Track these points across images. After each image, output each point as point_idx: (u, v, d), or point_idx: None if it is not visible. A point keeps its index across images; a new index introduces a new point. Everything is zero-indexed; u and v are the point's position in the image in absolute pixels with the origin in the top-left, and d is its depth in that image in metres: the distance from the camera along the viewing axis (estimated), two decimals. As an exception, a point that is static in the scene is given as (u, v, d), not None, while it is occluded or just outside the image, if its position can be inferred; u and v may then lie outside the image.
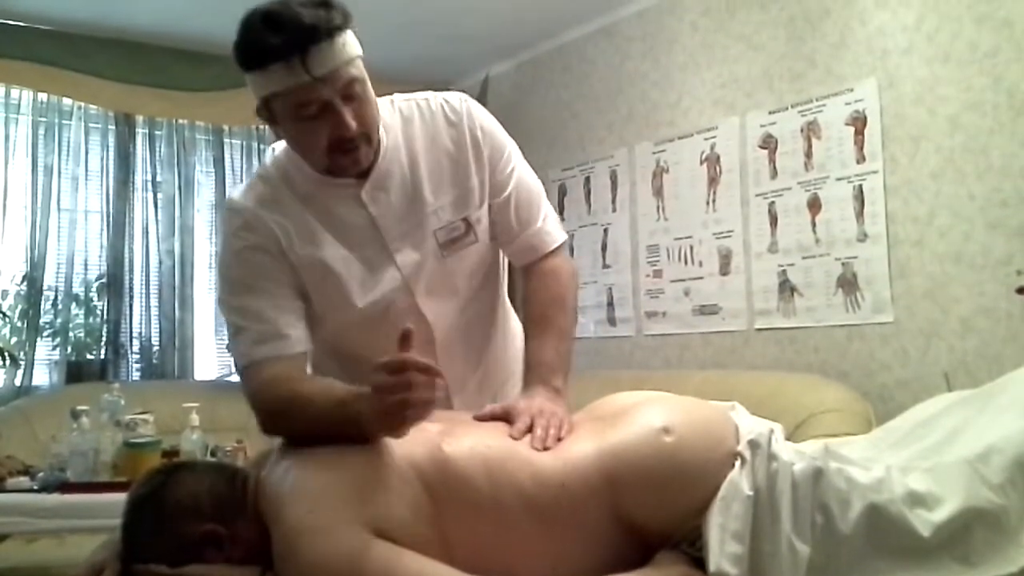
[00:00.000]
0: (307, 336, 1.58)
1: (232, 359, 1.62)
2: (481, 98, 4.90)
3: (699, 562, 1.31)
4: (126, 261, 4.77)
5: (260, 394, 1.51)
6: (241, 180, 5.16)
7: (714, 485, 1.33)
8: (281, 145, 1.66)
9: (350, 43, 1.51)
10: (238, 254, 1.59)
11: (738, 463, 1.35)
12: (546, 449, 1.39)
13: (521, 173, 1.75)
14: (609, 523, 1.35)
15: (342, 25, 1.49)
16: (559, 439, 1.42)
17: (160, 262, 4.88)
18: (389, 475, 1.30)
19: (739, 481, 1.33)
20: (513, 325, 1.88)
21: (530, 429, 1.44)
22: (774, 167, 3.78)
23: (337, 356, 1.68)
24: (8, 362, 4.34)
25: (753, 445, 1.36)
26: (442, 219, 1.65)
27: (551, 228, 1.76)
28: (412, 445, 1.34)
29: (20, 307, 4.52)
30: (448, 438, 1.37)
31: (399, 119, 1.68)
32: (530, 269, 1.75)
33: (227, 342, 1.60)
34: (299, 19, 1.44)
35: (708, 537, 1.29)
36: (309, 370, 1.59)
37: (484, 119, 1.73)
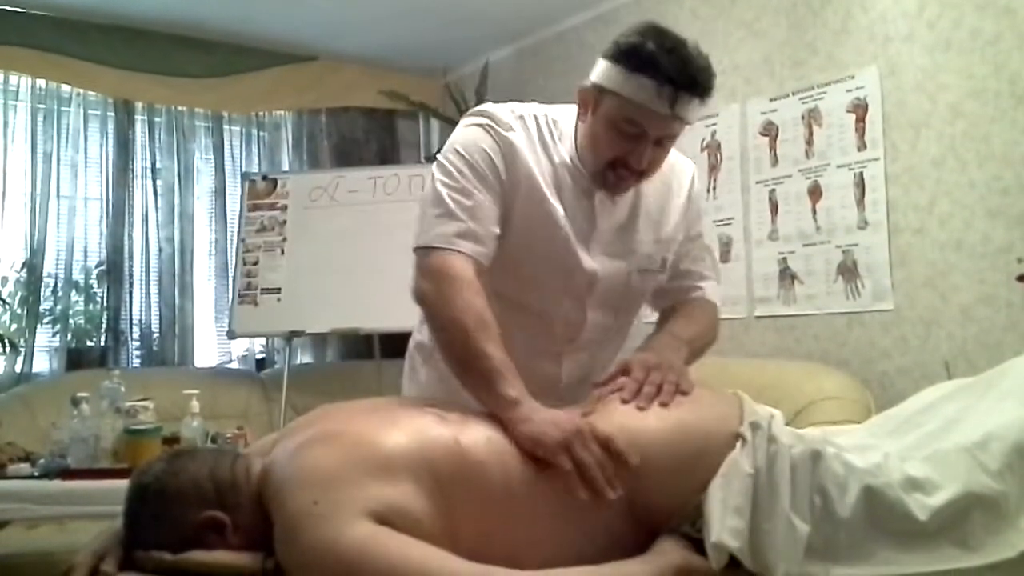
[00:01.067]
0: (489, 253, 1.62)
1: (418, 233, 1.63)
2: (481, 85, 4.89)
3: (700, 544, 1.31)
4: (126, 248, 4.77)
5: (447, 276, 1.55)
6: (241, 166, 5.17)
7: (716, 465, 1.36)
8: (550, 109, 1.74)
9: (698, 112, 1.60)
10: (483, 150, 1.64)
11: (739, 443, 1.37)
12: (663, 405, 1.43)
13: (705, 240, 1.90)
14: (616, 506, 1.35)
15: (710, 95, 1.59)
16: (679, 391, 1.46)
17: (160, 249, 4.87)
18: (397, 464, 1.30)
19: (740, 460, 1.35)
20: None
21: (642, 385, 1.46)
22: (775, 154, 3.77)
23: (514, 299, 1.68)
24: (8, 349, 4.34)
25: (754, 427, 1.39)
26: (647, 251, 1.74)
27: (715, 289, 1.88)
28: (427, 436, 1.35)
29: (20, 294, 4.51)
30: (463, 428, 1.38)
31: None
32: (684, 301, 1.84)
33: (424, 211, 1.65)
34: (701, 68, 1.55)
35: (709, 511, 1.31)
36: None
37: (700, 189, 1.90)
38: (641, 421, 1.42)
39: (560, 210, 1.65)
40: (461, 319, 1.51)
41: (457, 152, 1.65)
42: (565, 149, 1.69)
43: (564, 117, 1.73)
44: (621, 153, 1.59)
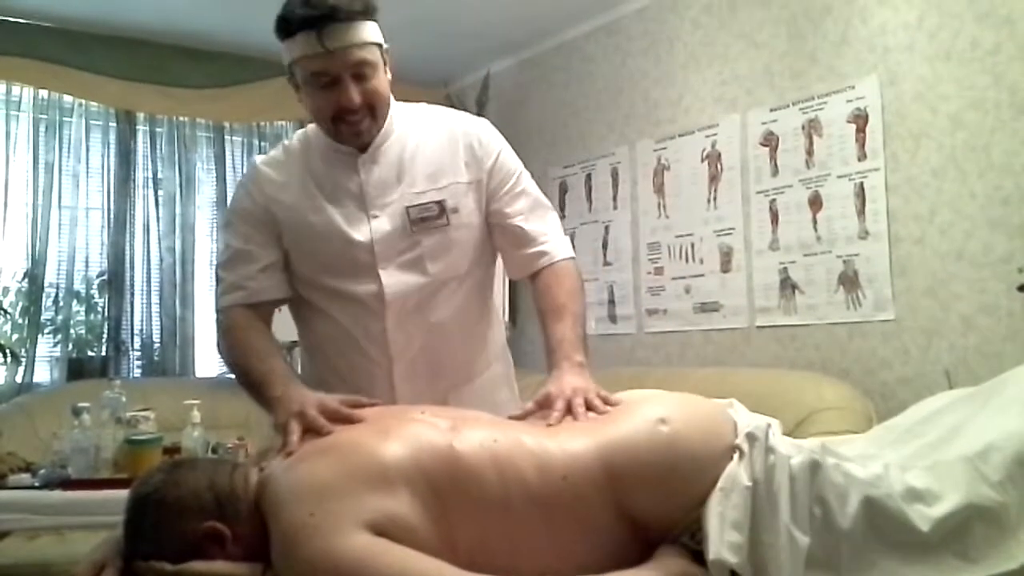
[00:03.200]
0: (273, 285, 1.83)
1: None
2: (482, 96, 4.91)
3: (699, 556, 1.31)
4: (127, 258, 4.78)
5: (224, 329, 1.82)
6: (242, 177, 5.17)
7: (713, 477, 1.34)
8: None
9: (368, 30, 1.73)
10: (234, 211, 1.89)
11: (736, 456, 1.36)
12: (603, 410, 1.50)
13: (527, 191, 1.92)
14: (611, 516, 1.35)
15: (362, 13, 1.72)
16: (607, 403, 1.53)
17: (161, 259, 4.88)
18: (393, 474, 1.30)
19: (738, 473, 1.34)
20: (493, 340, 1.98)
21: (569, 411, 1.52)
22: (775, 164, 3.77)
23: (317, 288, 1.85)
24: (9, 359, 4.34)
25: (751, 438, 1.37)
26: (418, 198, 1.82)
27: (563, 242, 1.91)
28: (421, 443, 1.35)
29: (21, 304, 4.52)
30: (457, 435, 1.38)
31: (413, 115, 1.90)
32: (541, 272, 1.87)
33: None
34: (325, 1, 1.68)
35: (708, 526, 1.30)
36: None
37: (496, 137, 1.93)
38: (616, 432, 1.41)
39: (321, 200, 1.82)
40: (236, 360, 1.78)
41: (224, 217, 1.95)
42: (316, 138, 1.86)
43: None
44: (333, 103, 1.73)
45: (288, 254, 1.84)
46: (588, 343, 1.81)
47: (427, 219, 1.81)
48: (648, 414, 1.42)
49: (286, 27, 1.73)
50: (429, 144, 1.87)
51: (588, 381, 1.63)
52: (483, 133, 1.92)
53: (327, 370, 1.87)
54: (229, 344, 1.80)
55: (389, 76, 1.80)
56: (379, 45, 1.76)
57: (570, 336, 1.75)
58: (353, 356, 1.83)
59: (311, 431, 1.46)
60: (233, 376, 1.82)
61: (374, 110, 1.77)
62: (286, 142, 1.92)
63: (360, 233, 1.80)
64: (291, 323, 1.96)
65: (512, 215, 1.88)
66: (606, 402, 1.54)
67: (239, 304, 1.81)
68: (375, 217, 1.81)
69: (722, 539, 1.28)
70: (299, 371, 1.92)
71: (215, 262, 1.94)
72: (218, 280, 1.87)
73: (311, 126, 1.88)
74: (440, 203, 1.82)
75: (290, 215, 1.83)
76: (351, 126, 1.76)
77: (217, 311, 1.86)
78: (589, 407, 1.53)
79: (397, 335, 1.81)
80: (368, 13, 1.73)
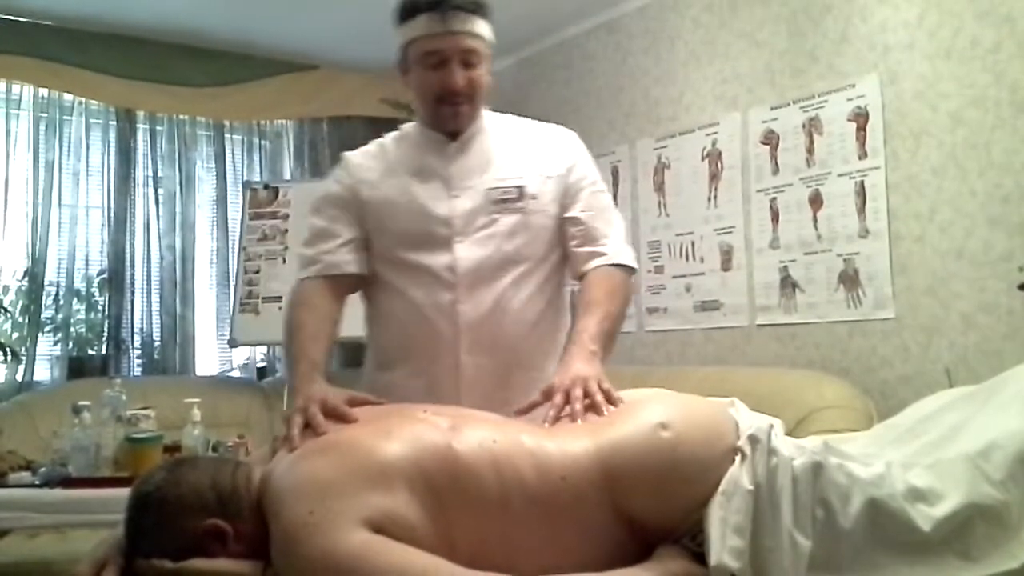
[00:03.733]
0: (350, 260, 1.92)
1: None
2: (482, 94, 4.90)
3: (700, 557, 1.31)
4: (127, 257, 4.78)
5: (289, 302, 1.92)
6: (242, 175, 5.19)
7: (714, 480, 1.34)
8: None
9: (483, 26, 1.88)
10: (321, 197, 2.00)
11: (738, 458, 1.36)
12: (600, 403, 1.52)
13: (602, 196, 2.00)
14: (610, 517, 1.35)
15: (482, 9, 1.87)
16: (608, 396, 1.54)
17: (161, 258, 4.88)
18: (392, 472, 1.30)
19: (739, 476, 1.33)
20: (560, 340, 1.98)
21: (567, 402, 1.55)
22: (776, 163, 3.77)
23: (392, 262, 1.93)
24: (10, 357, 4.34)
25: (753, 440, 1.37)
26: (500, 183, 1.92)
27: (623, 250, 1.96)
28: (421, 442, 1.35)
29: (21, 302, 4.52)
30: (457, 435, 1.38)
31: (503, 119, 2.05)
32: (592, 271, 1.92)
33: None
34: None
35: (709, 531, 1.30)
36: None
37: (581, 144, 2.05)
38: (616, 434, 1.41)
39: (407, 179, 1.93)
40: (285, 336, 1.86)
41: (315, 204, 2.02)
42: (412, 130, 2.01)
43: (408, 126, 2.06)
44: (439, 84, 1.87)
45: (369, 233, 1.94)
46: (615, 341, 1.84)
47: (506, 200, 1.91)
48: (649, 417, 1.41)
49: (412, 8, 1.86)
50: (516, 140, 2.00)
51: (594, 369, 1.65)
52: (571, 138, 2.05)
53: (393, 346, 1.93)
54: (286, 318, 1.88)
55: (489, 79, 1.94)
56: (489, 45, 1.90)
57: (592, 328, 1.78)
58: (421, 329, 1.87)
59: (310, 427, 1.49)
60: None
61: (473, 98, 1.90)
62: (379, 139, 2.06)
63: (440, 209, 1.90)
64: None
65: (581, 209, 1.95)
66: (607, 395, 1.55)
67: (314, 276, 1.90)
68: (456, 197, 1.91)
69: (724, 544, 1.28)
70: (367, 349, 2.01)
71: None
72: (299, 258, 1.97)
73: (406, 125, 2.04)
74: (520, 188, 1.92)
75: (375, 193, 1.94)
76: (452, 107, 1.88)
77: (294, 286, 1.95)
78: (588, 396, 1.55)
79: (466, 307, 1.86)
80: (486, 12, 1.89)
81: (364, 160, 2.00)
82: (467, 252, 1.87)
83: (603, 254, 1.92)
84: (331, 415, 1.51)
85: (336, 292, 1.91)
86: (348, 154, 2.04)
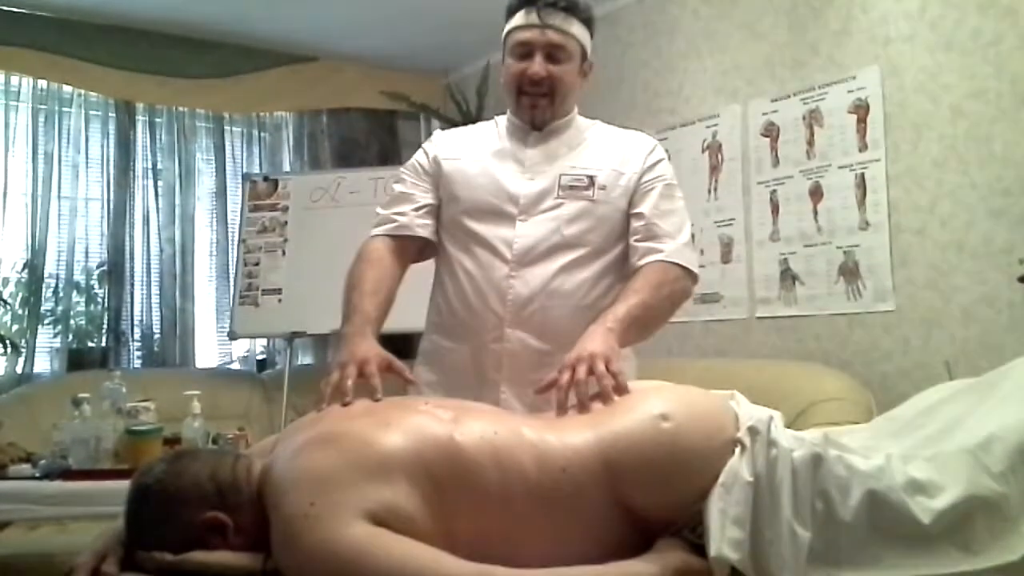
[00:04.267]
0: (420, 224, 2.02)
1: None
2: (482, 85, 4.89)
3: (700, 548, 1.31)
4: (127, 249, 4.77)
5: (357, 256, 1.99)
6: (242, 167, 5.18)
7: (714, 472, 1.34)
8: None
9: (577, 27, 1.97)
10: (406, 166, 2.11)
11: (738, 450, 1.36)
12: (603, 377, 1.54)
13: (673, 200, 2.03)
14: (610, 509, 1.35)
15: (580, 12, 1.97)
16: (615, 377, 1.54)
17: (161, 250, 4.88)
18: (393, 465, 1.30)
19: (739, 467, 1.34)
20: None
21: (572, 379, 1.56)
22: (776, 155, 3.77)
23: (457, 230, 2.01)
24: (9, 349, 4.34)
25: (752, 432, 1.37)
26: (572, 171, 1.99)
27: (683, 252, 1.97)
28: (422, 434, 1.35)
29: (21, 295, 4.52)
30: (459, 427, 1.38)
31: (593, 122, 2.11)
32: (646, 265, 1.93)
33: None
34: None
35: (709, 522, 1.30)
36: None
37: (663, 151, 2.08)
38: (617, 426, 1.41)
39: (487, 157, 2.02)
40: (345, 287, 1.91)
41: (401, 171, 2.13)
42: (502, 120, 2.10)
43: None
44: (521, 73, 1.96)
45: (442, 201, 2.03)
46: (647, 331, 1.88)
47: (575, 187, 1.97)
48: (650, 409, 1.42)
49: (515, 6, 1.98)
50: (598, 139, 2.06)
51: (606, 345, 1.66)
52: (651, 143, 2.09)
53: (448, 312, 1.99)
54: (350, 271, 1.94)
55: (585, 87, 2.04)
56: (581, 47, 1.98)
57: (619, 311, 1.80)
58: (473, 300, 1.94)
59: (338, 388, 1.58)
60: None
61: (554, 93, 1.97)
62: (471, 124, 2.21)
63: (512, 186, 1.97)
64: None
65: (648, 207, 1.98)
66: (615, 377, 1.55)
67: (383, 235, 2.01)
68: (530, 179, 1.98)
69: (723, 535, 1.28)
70: (428, 311, 2.09)
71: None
72: (375, 217, 2.06)
73: (500, 116, 2.11)
74: (592, 177, 1.98)
75: (454, 164, 2.03)
76: (530, 98, 1.97)
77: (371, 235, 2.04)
78: (595, 376, 1.55)
79: (517, 283, 1.91)
80: (584, 16, 1.98)
81: (451, 136, 2.13)
82: (527, 230, 1.93)
83: (660, 251, 1.94)
84: (364, 378, 1.60)
85: (402, 253, 2.00)
86: (438, 131, 2.18)
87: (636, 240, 1.96)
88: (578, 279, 1.93)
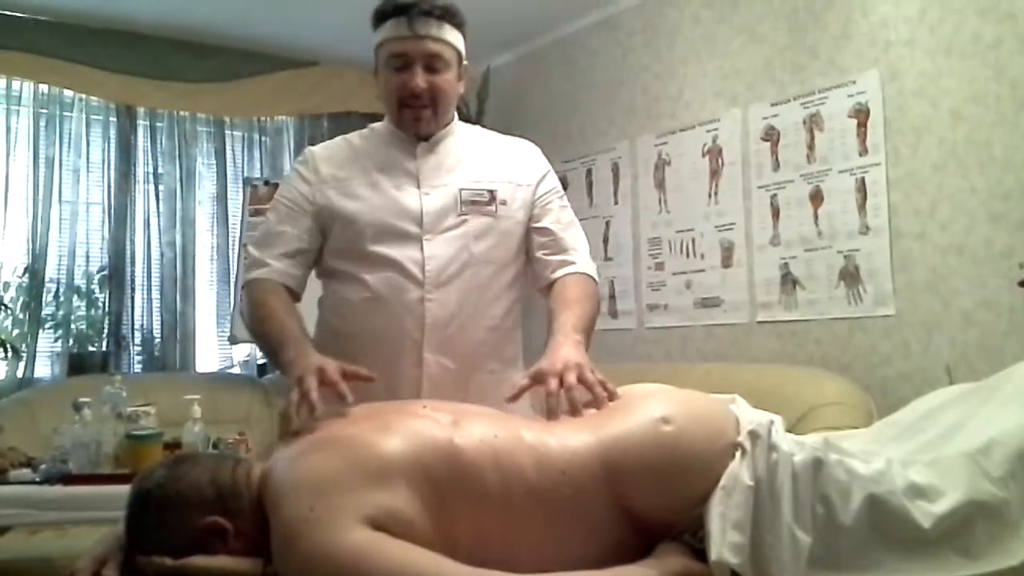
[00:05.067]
0: (293, 269, 1.93)
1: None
2: (482, 90, 4.90)
3: (701, 553, 1.31)
4: (128, 253, 4.77)
5: (246, 294, 1.93)
6: (243, 171, 5.19)
7: (714, 476, 1.34)
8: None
9: (451, 33, 1.92)
10: (279, 194, 2.00)
11: (739, 454, 1.36)
12: (595, 385, 1.54)
13: (569, 211, 2.07)
14: (610, 512, 1.35)
15: (452, 17, 1.92)
16: (603, 385, 1.54)
17: (162, 254, 4.88)
18: (393, 469, 1.30)
19: (740, 471, 1.33)
20: (516, 347, 2.04)
21: (562, 384, 1.55)
22: (776, 159, 3.77)
23: (357, 256, 1.92)
24: (10, 354, 4.34)
25: (753, 436, 1.37)
26: (472, 184, 1.95)
27: (589, 263, 2.02)
28: (421, 438, 1.35)
29: (22, 299, 4.52)
30: (458, 430, 1.38)
31: (473, 128, 2.11)
32: (564, 276, 1.96)
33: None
34: (426, 1, 1.88)
35: (709, 526, 1.30)
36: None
37: (544, 158, 2.10)
38: (617, 429, 1.41)
39: (375, 174, 1.95)
40: (258, 327, 1.86)
41: (274, 199, 2.03)
42: (382, 127, 2.04)
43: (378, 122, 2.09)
44: (401, 85, 1.91)
45: (329, 230, 1.94)
46: (591, 342, 1.84)
47: (477, 203, 1.94)
48: (650, 412, 1.42)
49: (383, 13, 1.92)
50: (484, 147, 2.05)
51: (582, 356, 1.66)
52: (536, 151, 2.10)
53: (352, 339, 1.90)
54: (251, 308, 1.89)
55: (462, 89, 2.00)
56: (458, 53, 1.94)
57: (573, 321, 1.80)
58: (385, 324, 1.87)
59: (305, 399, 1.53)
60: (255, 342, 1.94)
61: (436, 104, 1.93)
62: (344, 136, 2.09)
63: (410, 204, 1.92)
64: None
65: (552, 221, 2.01)
66: (603, 385, 1.55)
67: (262, 278, 1.92)
68: (426, 194, 1.93)
69: (724, 539, 1.28)
70: (317, 337, 1.97)
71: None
72: (248, 256, 1.98)
73: (374, 124, 2.08)
74: (492, 192, 1.96)
75: (341, 187, 1.95)
76: (413, 111, 1.93)
77: (244, 284, 1.97)
78: (584, 384, 1.55)
79: (433, 305, 1.87)
80: (456, 21, 1.93)
81: (330, 154, 2.02)
82: (436, 250, 1.89)
83: (573, 262, 1.98)
84: (326, 384, 1.55)
85: (289, 293, 1.93)
86: (312, 149, 2.05)
87: (545, 254, 1.99)
88: (490, 295, 1.94)
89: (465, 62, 1.99)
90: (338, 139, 2.08)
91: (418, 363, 1.86)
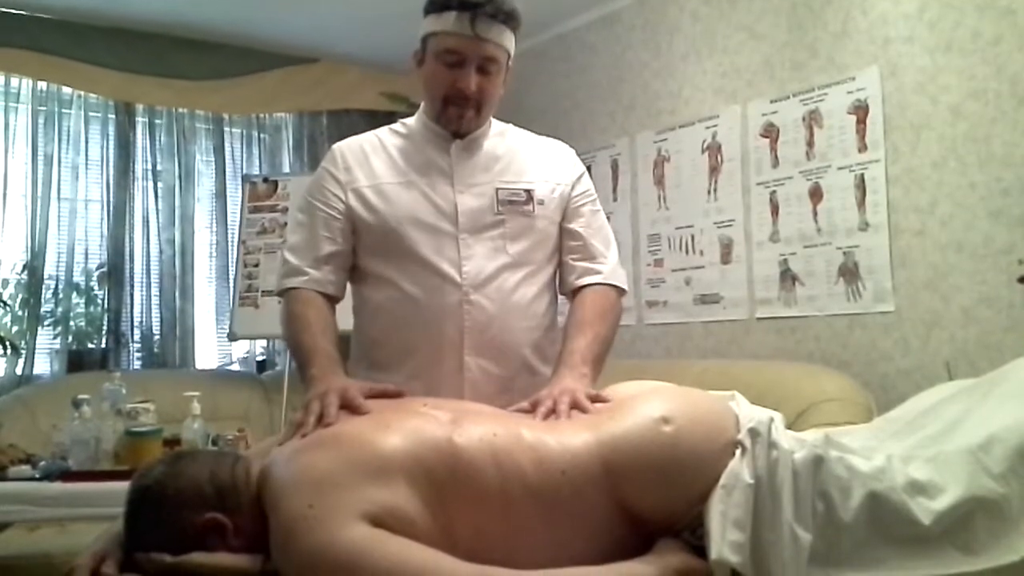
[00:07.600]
0: (330, 275, 1.88)
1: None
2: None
3: (700, 550, 1.31)
4: (127, 250, 4.77)
5: (284, 304, 1.89)
6: (242, 169, 5.19)
7: (714, 474, 1.34)
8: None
9: (509, 38, 1.86)
10: (309, 194, 1.95)
11: (739, 452, 1.36)
12: (590, 409, 1.52)
13: (600, 215, 2.03)
14: (610, 511, 1.35)
15: (513, 21, 1.86)
16: (594, 400, 1.54)
17: (161, 251, 4.88)
18: (392, 466, 1.30)
19: (740, 469, 1.33)
20: (555, 348, 1.95)
21: (552, 409, 1.54)
22: (775, 156, 3.77)
23: (393, 257, 1.87)
24: (9, 351, 4.34)
25: (753, 434, 1.36)
26: (508, 184, 1.91)
27: (618, 272, 1.98)
28: (421, 436, 1.35)
29: (21, 296, 4.52)
30: (458, 429, 1.38)
31: (509, 127, 2.03)
32: (583, 289, 1.93)
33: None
34: (492, 2, 1.81)
35: (709, 525, 1.30)
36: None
37: (581, 163, 2.08)
38: (617, 428, 1.41)
39: (410, 172, 1.90)
40: (292, 339, 1.82)
41: (300, 199, 1.99)
42: (415, 123, 1.98)
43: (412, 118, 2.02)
44: (450, 83, 1.84)
45: (361, 231, 1.89)
46: (603, 364, 1.83)
47: (515, 203, 1.90)
48: (650, 412, 1.41)
49: (443, 4, 1.83)
50: (521, 146, 2.00)
51: (583, 386, 1.64)
52: (571, 152, 2.07)
53: (390, 345, 1.86)
54: (288, 315, 1.85)
55: (502, 91, 1.93)
56: (509, 55, 1.89)
57: (583, 349, 1.78)
58: (424, 329, 1.82)
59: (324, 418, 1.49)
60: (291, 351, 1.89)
61: (481, 106, 1.88)
62: (374, 131, 2.02)
63: (446, 204, 1.87)
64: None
65: (582, 224, 1.97)
66: (595, 401, 1.55)
67: (299, 287, 1.87)
68: (461, 193, 1.88)
69: (724, 538, 1.27)
70: (354, 345, 1.96)
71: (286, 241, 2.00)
72: (284, 263, 1.92)
73: (406, 119, 2.00)
74: (529, 191, 1.92)
75: (373, 184, 1.90)
76: (458, 109, 1.86)
77: (281, 292, 1.92)
78: (576, 406, 1.54)
79: (473, 308, 1.82)
80: (516, 24, 1.87)
81: (360, 150, 1.95)
82: (473, 250, 1.84)
83: (598, 272, 1.94)
84: (347, 407, 1.50)
85: (327, 301, 1.89)
86: (340, 145, 1.98)
87: (573, 259, 1.96)
88: (529, 296, 1.89)
89: (511, 66, 1.94)
90: (367, 134, 2.01)
91: (459, 368, 1.81)
